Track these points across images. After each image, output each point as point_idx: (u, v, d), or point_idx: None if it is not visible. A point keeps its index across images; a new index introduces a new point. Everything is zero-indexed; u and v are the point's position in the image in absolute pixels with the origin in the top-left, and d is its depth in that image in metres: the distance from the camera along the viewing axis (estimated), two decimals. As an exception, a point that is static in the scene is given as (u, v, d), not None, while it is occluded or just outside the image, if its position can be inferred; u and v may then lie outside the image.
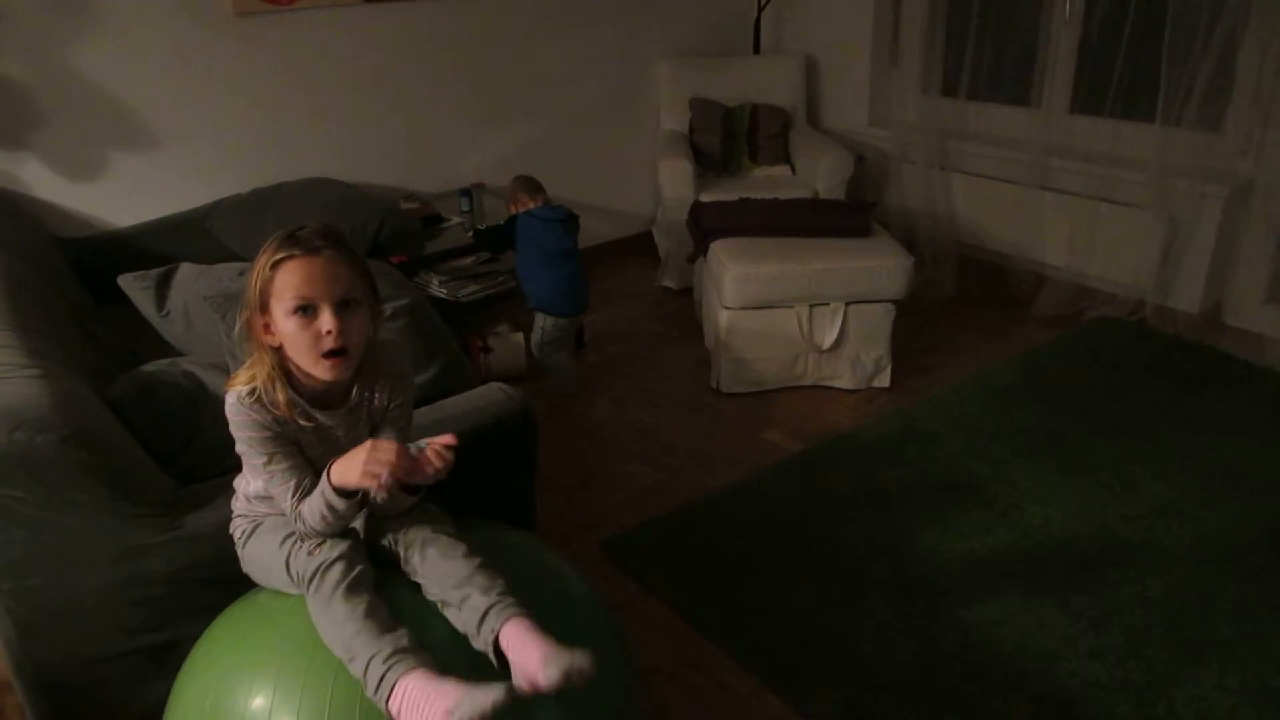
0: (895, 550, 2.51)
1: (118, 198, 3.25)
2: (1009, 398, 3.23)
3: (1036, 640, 2.19)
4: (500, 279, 3.58)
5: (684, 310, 4.00)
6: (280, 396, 1.46)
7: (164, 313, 2.20)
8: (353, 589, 1.42)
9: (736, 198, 3.73)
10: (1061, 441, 2.97)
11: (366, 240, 3.18)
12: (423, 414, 1.90)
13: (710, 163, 4.30)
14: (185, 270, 2.26)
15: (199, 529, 1.68)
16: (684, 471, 2.91)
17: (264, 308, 1.43)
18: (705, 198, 3.89)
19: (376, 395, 1.58)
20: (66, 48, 3.03)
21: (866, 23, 4.37)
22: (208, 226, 3.29)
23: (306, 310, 1.41)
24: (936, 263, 4.10)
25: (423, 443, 1.48)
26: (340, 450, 1.50)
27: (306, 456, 1.53)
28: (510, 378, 3.43)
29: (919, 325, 3.73)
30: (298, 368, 1.48)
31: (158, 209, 3.29)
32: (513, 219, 3.26)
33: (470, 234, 3.43)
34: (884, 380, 3.34)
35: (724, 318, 3.25)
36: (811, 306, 3.23)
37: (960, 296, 4.03)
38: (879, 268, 3.20)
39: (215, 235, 3.27)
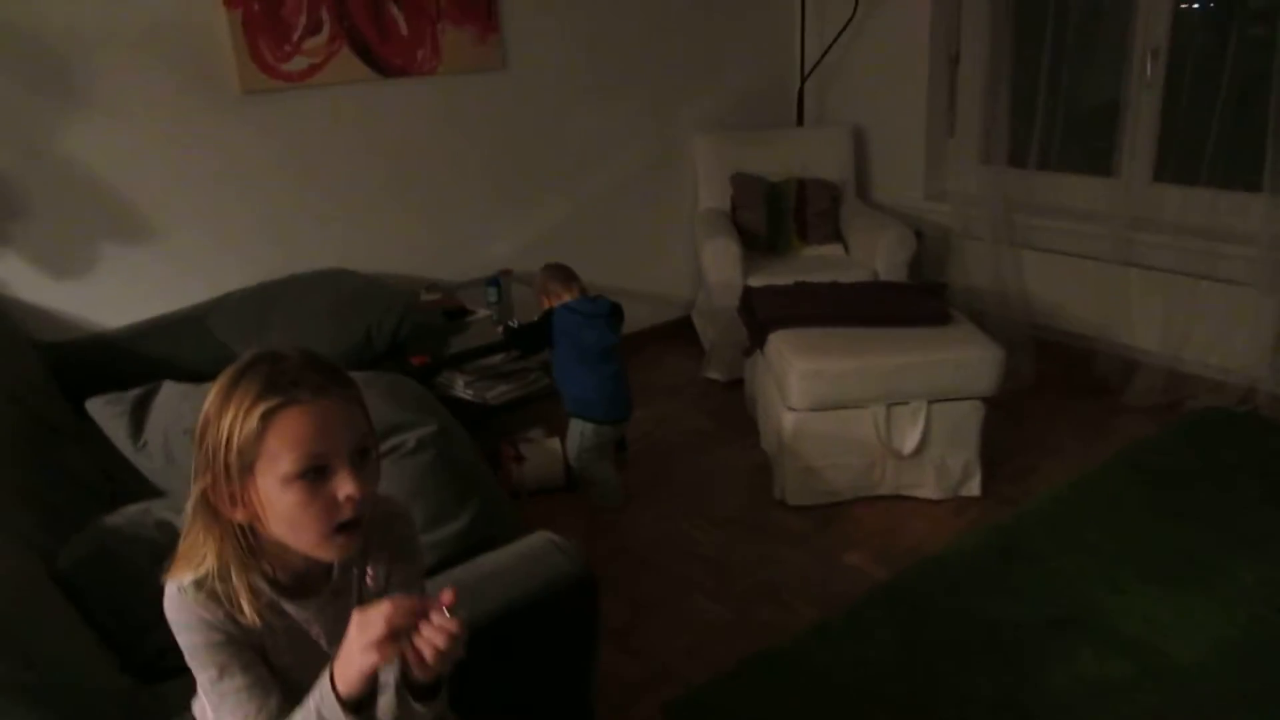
0: (1023, 709, 2.06)
1: (108, 295, 2.91)
2: (1120, 506, 2.81)
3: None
4: (532, 377, 3.20)
5: (734, 405, 3.60)
6: (242, 586, 1.07)
7: (140, 444, 1.83)
8: None
9: (790, 281, 3.36)
10: (1193, 560, 2.53)
11: (384, 339, 2.82)
12: (459, 574, 1.51)
13: (756, 242, 3.95)
14: (167, 391, 1.89)
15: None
16: (755, 607, 2.48)
17: (241, 474, 1.04)
18: (754, 281, 3.53)
19: (370, 571, 1.18)
20: (54, 130, 2.72)
21: (919, 90, 4.06)
22: (209, 325, 2.93)
23: (318, 474, 1.04)
24: (1012, 348, 3.69)
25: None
26: (317, 657, 1.11)
27: (270, 669, 1.12)
28: (546, 490, 3.05)
29: (1002, 421, 3.32)
30: (270, 547, 1.10)
31: (152, 307, 2.94)
32: (549, 313, 2.89)
33: (500, 329, 3.06)
34: (973, 489, 2.92)
35: (789, 420, 2.86)
36: (889, 406, 2.83)
37: (1042, 386, 3.63)
38: (964, 360, 2.81)
39: (216, 335, 2.91)
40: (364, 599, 1.18)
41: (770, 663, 2.26)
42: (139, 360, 2.78)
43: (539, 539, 1.56)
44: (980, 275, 3.90)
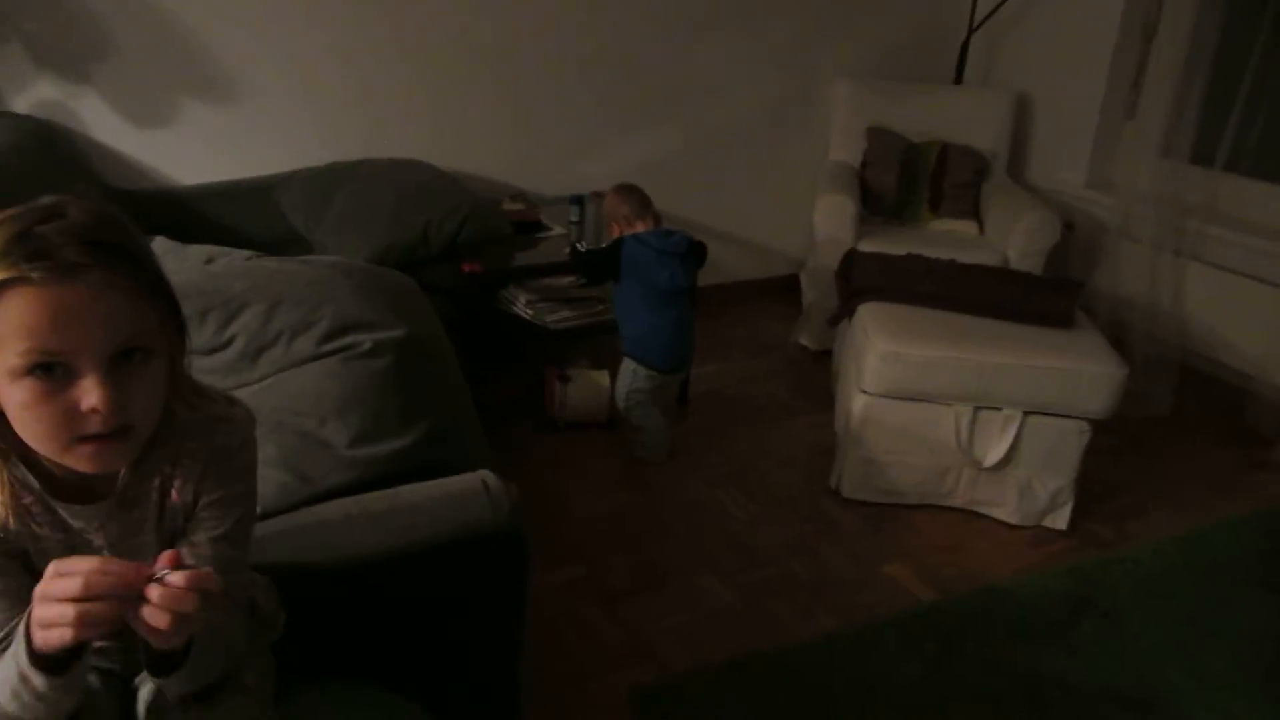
0: (1043, 791, 1.74)
1: (184, 151, 2.85)
2: (1232, 578, 2.37)
3: None
4: (599, 308, 2.98)
5: (819, 377, 3.29)
6: None
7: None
8: None
9: (904, 252, 2.99)
10: (1308, 661, 2.10)
11: (442, 240, 2.64)
12: (370, 500, 1.31)
13: (880, 206, 3.57)
14: (159, 247, 1.76)
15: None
16: (768, 600, 2.21)
17: None
18: (865, 247, 3.17)
19: (176, 484, 0.97)
20: (147, -29, 2.63)
21: (1102, 61, 3.53)
22: (275, 198, 2.84)
23: (50, 370, 0.82)
24: (1151, 372, 3.22)
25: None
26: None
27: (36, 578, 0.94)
28: (586, 422, 2.85)
29: (1117, 451, 2.88)
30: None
31: (227, 170, 2.87)
32: (618, 242, 2.64)
33: (568, 250, 2.84)
34: (1060, 520, 2.53)
35: (859, 403, 2.53)
36: (976, 409, 2.47)
37: (1178, 420, 3.13)
38: (1078, 372, 2.40)
39: (280, 208, 2.82)
40: (166, 516, 0.98)
41: (762, 664, 1.99)
42: (202, 221, 2.72)
43: (471, 478, 1.34)
44: (1132, 282, 3.40)
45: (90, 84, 2.69)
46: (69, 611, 0.76)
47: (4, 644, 0.88)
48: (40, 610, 0.78)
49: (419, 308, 1.68)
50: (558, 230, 3.03)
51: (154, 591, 0.78)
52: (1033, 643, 2.11)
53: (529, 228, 3.00)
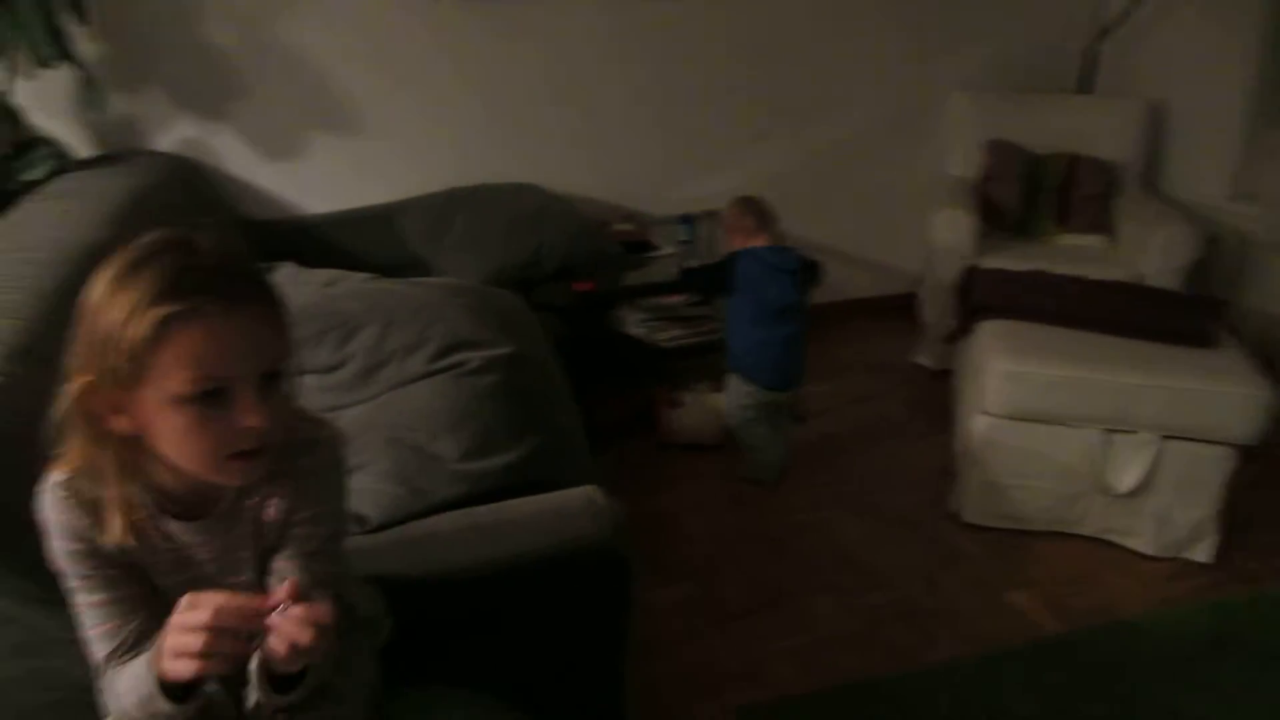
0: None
1: (312, 182, 2.98)
2: (1404, 617, 2.17)
3: None
4: (710, 326, 2.98)
5: (937, 397, 3.18)
6: (115, 498, 0.92)
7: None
8: None
9: (1028, 268, 2.88)
10: None
11: (553, 260, 2.68)
12: (478, 514, 1.33)
13: (1002, 221, 3.45)
14: (286, 272, 1.85)
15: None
16: (887, 625, 2.14)
17: (131, 381, 0.86)
18: (987, 263, 3.06)
19: (271, 503, 1.01)
20: (278, 16, 2.77)
21: (1246, 65, 3.32)
22: (395, 224, 2.94)
23: (216, 397, 0.87)
24: (1304, 393, 2.99)
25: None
26: (206, 581, 0.98)
27: (151, 588, 0.99)
28: (699, 445, 2.83)
29: (1265, 481, 2.68)
30: (158, 460, 0.93)
31: (351, 198, 2.99)
32: (733, 256, 2.62)
33: (678, 270, 2.84)
34: (1202, 553, 2.37)
35: (980, 425, 2.44)
36: (1109, 432, 2.34)
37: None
38: (1221, 394, 2.25)
39: (400, 234, 2.92)
40: (261, 532, 1.02)
41: (877, 691, 1.93)
42: (327, 248, 2.84)
43: (578, 493, 1.35)
44: (1283, 300, 3.18)
45: (225, 121, 2.85)
46: (197, 641, 0.81)
47: (127, 649, 0.93)
48: (173, 639, 0.83)
49: (527, 326, 1.71)
50: (667, 250, 3.03)
51: (275, 623, 0.82)
52: (1169, 681, 1.97)
53: (639, 248, 3.02)
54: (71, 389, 0.89)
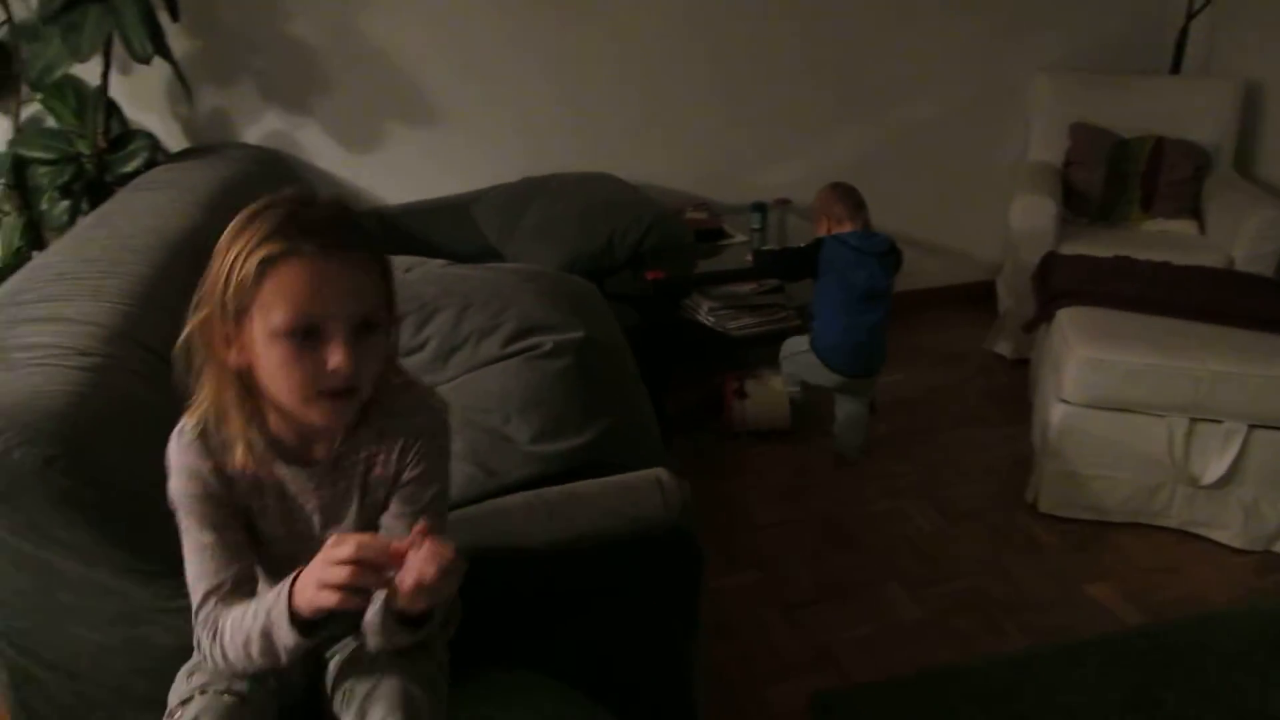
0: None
1: (392, 174, 3.06)
2: None
3: None
4: (782, 315, 2.96)
5: (1016, 387, 3.12)
6: (237, 434, 1.01)
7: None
8: None
9: (1111, 255, 2.80)
10: None
11: (626, 249, 2.70)
12: (548, 494, 1.36)
13: (1085, 207, 3.36)
14: (366, 257, 1.90)
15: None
16: (958, 615, 2.12)
17: (237, 315, 0.96)
18: (1068, 249, 3.00)
19: (380, 458, 1.08)
20: (359, 11, 2.85)
21: (1349, 41, 3.19)
22: (471, 213, 3.00)
23: (307, 334, 0.95)
24: None
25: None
26: (308, 536, 1.04)
27: (255, 537, 1.06)
28: (767, 430, 2.83)
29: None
30: (269, 400, 1.02)
31: (429, 189, 3.06)
32: (818, 242, 2.61)
33: (750, 256, 2.83)
34: (1294, 546, 2.30)
35: (1058, 414, 2.39)
36: (1194, 421, 2.27)
37: None
38: (1314, 382, 2.17)
39: (476, 223, 2.98)
40: (368, 486, 1.08)
41: (951, 680, 1.91)
42: (406, 238, 2.90)
43: (646, 475, 1.37)
44: (1386, 284, 3.04)
45: (310, 115, 2.94)
46: (343, 574, 0.88)
47: (227, 590, 1.01)
48: (320, 572, 0.90)
49: (599, 312, 1.74)
50: (739, 238, 3.03)
51: (410, 559, 0.89)
52: (1257, 677, 1.91)
53: (711, 235, 3.02)
54: (194, 320, 0.99)
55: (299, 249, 0.93)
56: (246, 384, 1.00)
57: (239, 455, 1.00)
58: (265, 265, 0.93)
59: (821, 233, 2.66)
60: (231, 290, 0.95)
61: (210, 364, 1.00)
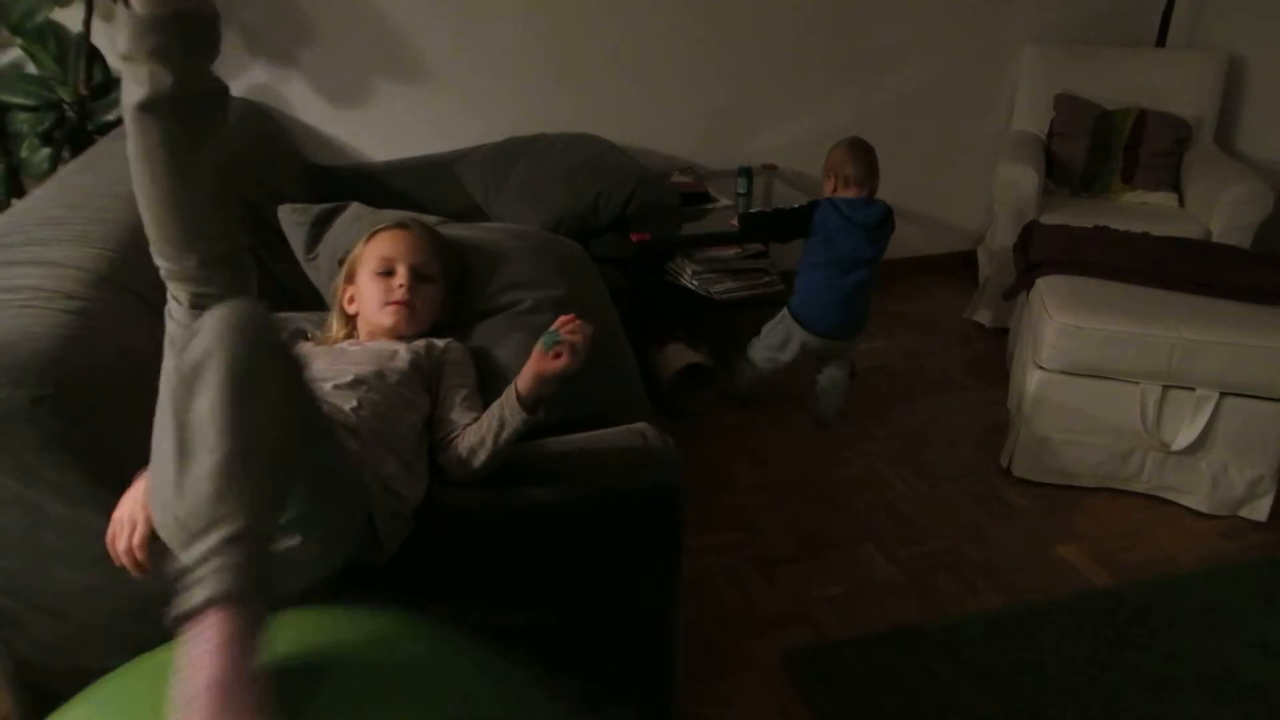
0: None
1: (377, 130, 3.04)
2: None
3: None
4: (766, 280, 2.98)
5: (993, 355, 3.17)
6: (336, 327, 1.62)
7: (311, 255, 1.85)
8: None
9: (1091, 225, 2.83)
10: None
11: (611, 210, 2.70)
12: (530, 447, 1.38)
13: (1067, 178, 3.39)
14: (353, 211, 1.89)
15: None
16: (932, 576, 2.17)
17: (351, 277, 1.60)
18: (1049, 219, 3.03)
19: (423, 348, 1.52)
20: (352, -39, 2.82)
21: (1332, 17, 3.21)
22: (456, 172, 2.99)
23: (388, 272, 1.57)
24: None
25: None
26: (341, 369, 1.42)
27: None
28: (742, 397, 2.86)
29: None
30: (363, 321, 1.59)
31: (414, 146, 3.04)
32: (813, 204, 2.60)
33: (734, 221, 2.84)
34: (1259, 512, 2.35)
35: (1034, 380, 2.43)
36: (1166, 388, 2.32)
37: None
38: (1285, 352, 2.22)
39: (460, 182, 2.97)
40: (415, 361, 1.48)
41: (924, 638, 1.95)
42: (390, 195, 2.89)
43: (630, 429, 1.39)
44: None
45: (296, 68, 2.91)
46: (577, 337, 1.27)
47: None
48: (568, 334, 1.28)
49: (585, 272, 1.75)
50: (725, 202, 3.04)
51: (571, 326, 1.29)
52: (1220, 637, 1.97)
53: (696, 199, 3.03)
54: (338, 287, 1.63)
55: (385, 230, 1.62)
56: (352, 323, 1.61)
57: (333, 336, 1.60)
58: (368, 240, 1.62)
59: (828, 191, 2.62)
60: (350, 262, 1.62)
61: (341, 314, 1.62)
